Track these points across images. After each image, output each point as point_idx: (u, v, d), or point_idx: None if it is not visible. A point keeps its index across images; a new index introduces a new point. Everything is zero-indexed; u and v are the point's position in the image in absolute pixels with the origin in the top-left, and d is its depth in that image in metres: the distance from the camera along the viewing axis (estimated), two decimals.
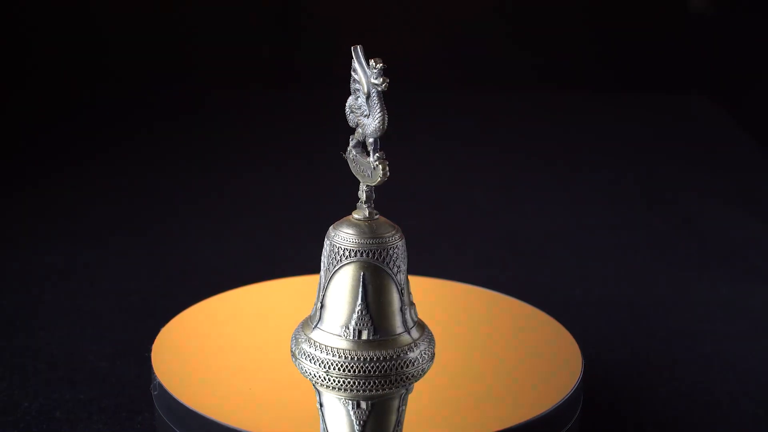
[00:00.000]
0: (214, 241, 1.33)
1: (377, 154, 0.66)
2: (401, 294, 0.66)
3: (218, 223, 1.40)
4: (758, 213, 1.45)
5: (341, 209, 0.80)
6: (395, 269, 0.65)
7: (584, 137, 1.81)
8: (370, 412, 0.65)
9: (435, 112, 1.89)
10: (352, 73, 0.67)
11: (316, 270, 1.00)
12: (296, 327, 0.68)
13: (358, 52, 0.66)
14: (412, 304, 0.68)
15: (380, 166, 0.65)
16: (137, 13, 1.96)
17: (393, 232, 0.66)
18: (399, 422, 0.67)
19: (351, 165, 0.69)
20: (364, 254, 0.65)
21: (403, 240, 0.67)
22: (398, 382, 0.65)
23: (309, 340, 0.65)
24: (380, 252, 0.65)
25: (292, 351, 0.67)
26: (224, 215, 1.42)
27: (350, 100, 0.68)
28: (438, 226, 1.39)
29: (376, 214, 0.67)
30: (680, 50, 2.03)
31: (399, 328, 0.65)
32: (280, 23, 2.03)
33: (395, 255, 0.65)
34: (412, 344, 0.65)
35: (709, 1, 2.06)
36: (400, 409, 0.66)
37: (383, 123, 0.65)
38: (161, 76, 1.97)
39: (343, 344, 0.64)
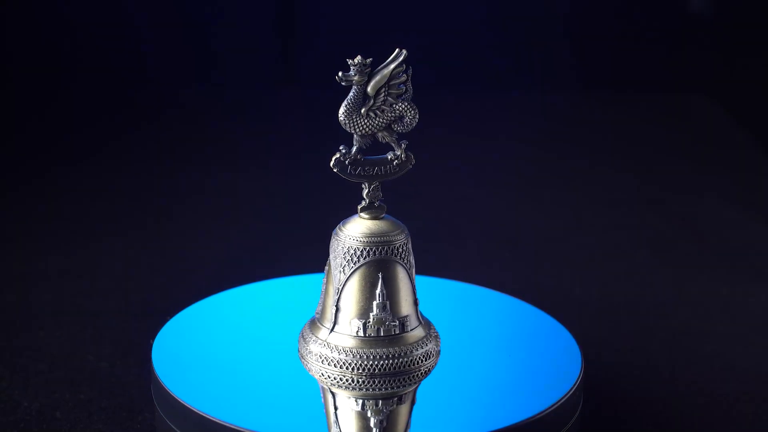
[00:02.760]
0: (213, 240, 1.33)
1: (405, 143, 0.68)
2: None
3: (218, 222, 1.40)
4: (758, 213, 1.45)
5: (341, 209, 0.80)
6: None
7: (584, 137, 1.81)
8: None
9: (436, 112, 1.88)
10: (397, 77, 0.69)
11: (316, 270, 1.00)
12: (303, 327, 0.68)
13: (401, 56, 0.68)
14: (416, 302, 0.68)
15: (411, 155, 0.68)
16: (137, 12, 1.96)
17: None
18: (403, 421, 0.67)
19: (350, 171, 0.70)
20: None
21: (409, 239, 0.67)
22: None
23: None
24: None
25: (299, 351, 0.67)
26: (224, 215, 1.42)
27: (364, 106, 0.69)
28: (438, 226, 1.39)
29: (382, 214, 0.68)
30: (680, 50, 2.02)
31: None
32: (281, 22, 2.03)
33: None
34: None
35: (709, 1, 2.06)
36: (405, 407, 0.67)
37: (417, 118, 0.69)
38: (161, 75, 1.97)
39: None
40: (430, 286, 0.97)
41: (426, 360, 0.65)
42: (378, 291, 0.64)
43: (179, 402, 0.78)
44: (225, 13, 2.00)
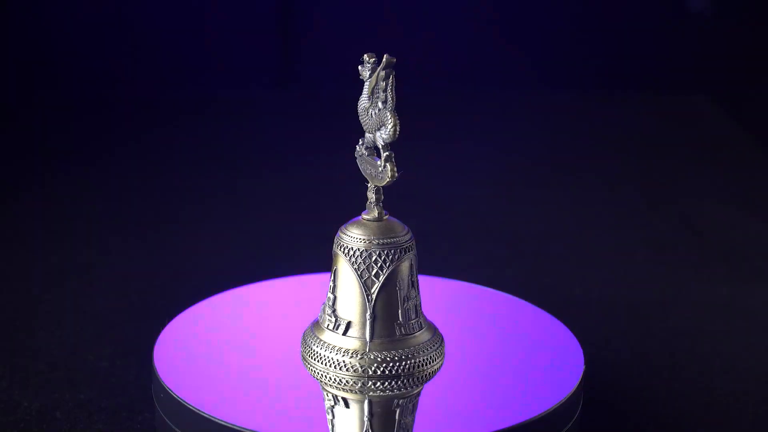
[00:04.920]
0: (214, 241, 1.33)
1: (386, 154, 0.67)
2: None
3: (218, 223, 1.40)
4: (758, 213, 1.45)
5: (341, 209, 0.80)
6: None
7: (584, 137, 1.81)
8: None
9: (435, 112, 1.88)
10: (381, 82, 0.68)
11: (317, 270, 1.00)
12: (306, 329, 0.68)
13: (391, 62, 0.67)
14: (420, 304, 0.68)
15: (389, 166, 0.66)
16: (137, 13, 1.96)
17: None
18: (407, 423, 0.67)
19: (360, 164, 0.69)
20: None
21: (414, 240, 0.67)
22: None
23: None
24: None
25: (302, 353, 0.67)
26: (224, 215, 1.42)
27: (368, 105, 0.68)
28: (439, 226, 1.39)
29: (386, 215, 0.67)
30: (680, 50, 2.02)
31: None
32: (281, 22, 2.03)
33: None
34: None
35: (709, 1, 2.06)
36: (410, 409, 0.66)
37: (396, 130, 0.66)
38: (161, 76, 1.97)
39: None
40: (431, 286, 0.97)
41: (429, 363, 0.65)
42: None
43: (179, 402, 0.78)
44: (224, 12, 2.00)
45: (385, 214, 0.68)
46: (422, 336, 0.65)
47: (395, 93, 0.70)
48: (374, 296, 0.65)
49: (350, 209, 0.74)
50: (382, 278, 0.65)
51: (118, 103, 1.89)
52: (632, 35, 2.04)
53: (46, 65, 1.91)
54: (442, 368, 0.72)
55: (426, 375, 0.65)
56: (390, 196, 0.78)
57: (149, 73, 1.97)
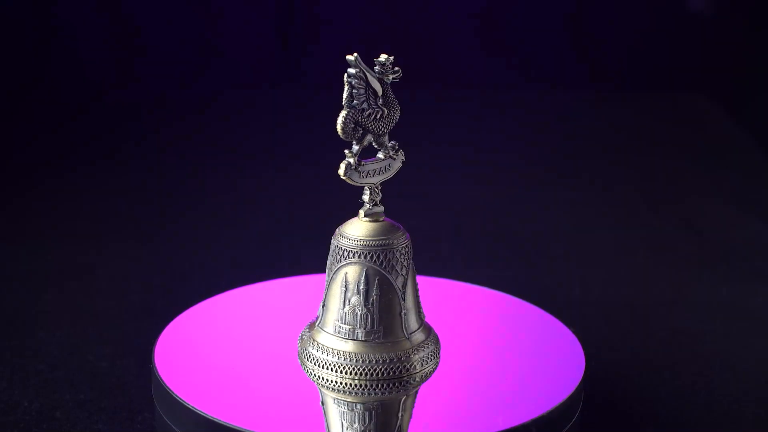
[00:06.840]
0: (214, 241, 1.33)
1: (392, 143, 0.67)
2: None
3: (218, 223, 1.40)
4: (758, 213, 1.45)
5: (341, 209, 0.80)
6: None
7: (584, 137, 1.81)
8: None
9: (435, 113, 1.88)
10: (354, 82, 0.66)
11: (316, 270, 1.00)
12: (303, 329, 0.68)
13: (359, 60, 0.66)
14: (419, 305, 0.68)
15: (400, 151, 0.66)
16: (138, 13, 1.96)
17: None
18: (403, 424, 0.67)
19: (355, 178, 0.68)
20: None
21: (409, 240, 0.67)
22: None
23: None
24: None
25: (298, 353, 0.67)
26: (224, 215, 1.42)
27: (351, 114, 0.66)
28: (438, 226, 1.39)
29: (382, 215, 0.67)
30: (679, 50, 2.02)
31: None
32: (281, 22, 2.03)
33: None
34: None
35: (709, 1, 2.06)
36: (405, 410, 0.66)
37: (337, 126, 0.66)
38: (161, 77, 1.97)
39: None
40: (430, 286, 0.97)
41: (424, 365, 0.65)
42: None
43: (179, 402, 0.78)
44: (225, 11, 2.00)
45: (382, 215, 0.67)
46: (419, 338, 0.65)
47: (351, 92, 0.67)
48: (326, 288, 0.66)
49: (352, 209, 0.74)
50: (330, 275, 0.66)
51: (117, 104, 1.89)
52: (632, 35, 2.04)
53: (47, 63, 1.91)
54: (442, 369, 0.72)
55: (419, 378, 0.65)
56: (391, 197, 0.78)
57: (149, 73, 1.97)
